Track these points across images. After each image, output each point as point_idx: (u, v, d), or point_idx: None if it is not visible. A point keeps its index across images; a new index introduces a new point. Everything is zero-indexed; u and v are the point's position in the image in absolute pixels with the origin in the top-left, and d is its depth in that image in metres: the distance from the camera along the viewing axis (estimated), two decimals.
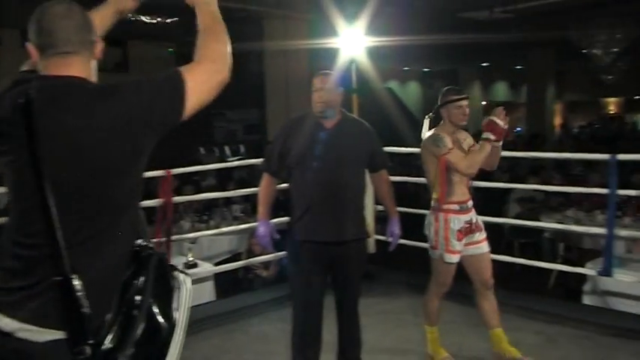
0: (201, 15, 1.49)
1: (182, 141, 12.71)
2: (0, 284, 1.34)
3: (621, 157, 3.87)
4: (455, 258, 3.30)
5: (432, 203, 3.34)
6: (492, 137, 3.15)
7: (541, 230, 6.41)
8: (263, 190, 3.15)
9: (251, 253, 5.35)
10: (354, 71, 5.49)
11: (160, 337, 1.37)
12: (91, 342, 1.28)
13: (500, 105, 3.46)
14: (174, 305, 1.42)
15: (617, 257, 4.60)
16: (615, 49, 10.20)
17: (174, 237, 4.28)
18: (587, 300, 4.57)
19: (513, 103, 21.92)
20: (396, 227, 3.22)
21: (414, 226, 5.73)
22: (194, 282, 4.55)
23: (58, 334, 1.30)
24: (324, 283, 3.08)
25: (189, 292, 1.46)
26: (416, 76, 20.78)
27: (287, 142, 3.04)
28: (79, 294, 1.27)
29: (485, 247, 3.36)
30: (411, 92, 20.73)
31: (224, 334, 4.00)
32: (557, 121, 22.38)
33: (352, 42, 5.37)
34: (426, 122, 3.38)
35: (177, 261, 4.70)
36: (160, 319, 1.38)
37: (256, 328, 4.09)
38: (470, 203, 3.32)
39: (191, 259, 4.66)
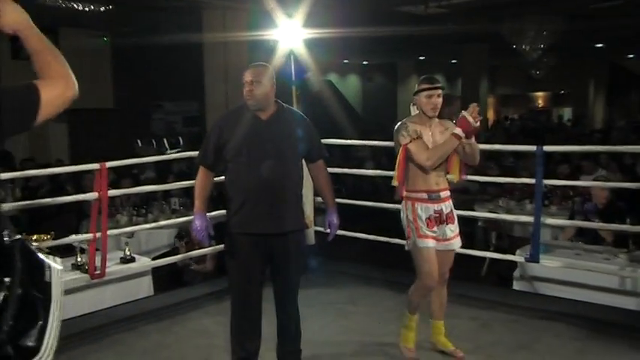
0: (30, 39, 1.59)
1: (119, 133, 12.41)
2: None
3: (547, 148, 4.06)
4: (429, 242, 3.20)
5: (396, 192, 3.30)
6: (462, 134, 3.09)
7: (475, 219, 6.64)
8: (199, 183, 3.11)
9: (186, 245, 5.30)
10: (292, 63, 5.49)
11: (35, 315, 1.43)
12: None
13: None
14: (46, 283, 1.48)
15: (543, 244, 4.84)
16: (542, 45, 10.64)
17: (109, 232, 4.17)
18: (516, 286, 4.77)
19: (449, 96, 22.48)
20: (334, 217, 3.22)
21: (354, 218, 5.80)
22: (131, 277, 4.47)
23: None
24: (263, 276, 3.08)
25: (58, 271, 1.51)
26: (355, 69, 21.01)
27: (223, 135, 3.02)
28: None
29: (455, 244, 3.31)
30: (351, 85, 20.95)
31: (163, 329, 3.95)
32: (491, 114, 23.19)
33: (290, 34, 5.37)
34: (413, 109, 3.34)
35: (114, 256, 4.59)
36: (33, 297, 1.43)
37: (196, 322, 4.06)
38: (443, 194, 3.25)
39: (128, 253, 4.55)
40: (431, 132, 3.25)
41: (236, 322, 3.10)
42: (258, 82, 2.96)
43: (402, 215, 3.30)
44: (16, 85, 1.54)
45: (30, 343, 1.41)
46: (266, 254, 3.03)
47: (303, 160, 3.16)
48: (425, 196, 3.22)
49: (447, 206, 3.27)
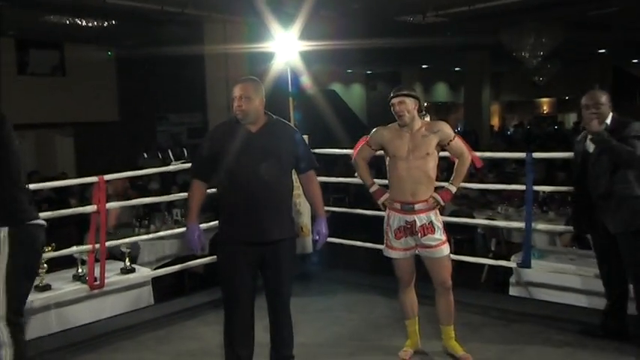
0: None
1: (125, 146, 12.55)
2: None
3: (536, 155, 4.12)
4: (393, 254, 3.41)
5: None
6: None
7: (475, 227, 6.67)
8: (192, 194, 3.20)
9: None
10: (289, 75, 5.59)
11: None
12: None
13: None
14: None
15: (539, 249, 4.89)
16: (541, 53, 10.68)
17: (108, 243, 4.27)
18: (512, 291, 4.80)
19: (453, 104, 22.57)
20: (322, 226, 3.26)
21: (358, 226, 5.83)
22: (131, 287, 4.57)
23: None
24: (254, 283, 3.16)
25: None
26: (359, 78, 21.10)
27: (213, 148, 3.11)
28: None
29: (438, 252, 3.35)
30: (355, 94, 21.04)
31: (161, 338, 4.03)
32: (495, 121, 23.19)
33: (287, 46, 5.48)
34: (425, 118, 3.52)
35: (115, 267, 4.68)
36: None
37: (193, 330, 4.14)
38: (418, 206, 3.30)
39: (128, 264, 4.64)
40: (410, 137, 3.33)
41: (228, 327, 3.18)
42: (247, 97, 3.06)
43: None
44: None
45: None
46: (256, 262, 3.11)
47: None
48: (398, 206, 3.37)
49: (421, 219, 3.32)
